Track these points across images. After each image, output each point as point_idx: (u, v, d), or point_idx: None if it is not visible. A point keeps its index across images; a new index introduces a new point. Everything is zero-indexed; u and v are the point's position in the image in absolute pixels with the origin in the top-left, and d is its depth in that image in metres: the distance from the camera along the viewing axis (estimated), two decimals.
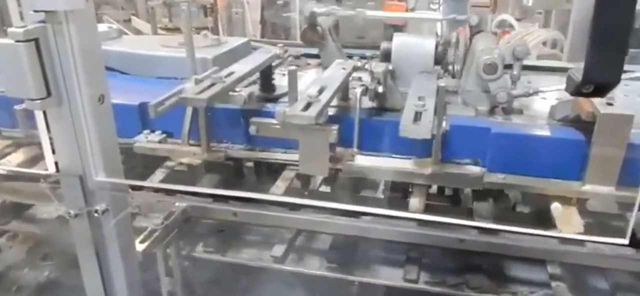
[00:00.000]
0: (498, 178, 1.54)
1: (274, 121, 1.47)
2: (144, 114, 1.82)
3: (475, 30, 2.20)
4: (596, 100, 1.47)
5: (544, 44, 4.20)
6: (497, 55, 1.70)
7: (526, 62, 1.79)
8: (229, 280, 1.88)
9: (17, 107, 1.70)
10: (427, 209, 1.64)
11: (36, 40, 0.94)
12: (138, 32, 4.33)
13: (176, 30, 3.67)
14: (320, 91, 1.52)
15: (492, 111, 1.79)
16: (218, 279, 1.88)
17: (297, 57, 2.42)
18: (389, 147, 1.65)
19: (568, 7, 4.76)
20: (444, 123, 1.46)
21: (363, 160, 1.55)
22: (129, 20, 4.88)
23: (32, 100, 0.97)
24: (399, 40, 1.88)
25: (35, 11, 0.91)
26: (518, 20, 5.46)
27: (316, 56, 2.33)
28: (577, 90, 1.01)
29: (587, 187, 1.46)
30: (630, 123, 1.36)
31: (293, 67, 1.46)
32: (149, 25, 4.40)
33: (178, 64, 1.96)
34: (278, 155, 1.66)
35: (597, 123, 1.40)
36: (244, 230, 1.81)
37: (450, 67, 1.99)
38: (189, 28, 1.83)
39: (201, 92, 1.49)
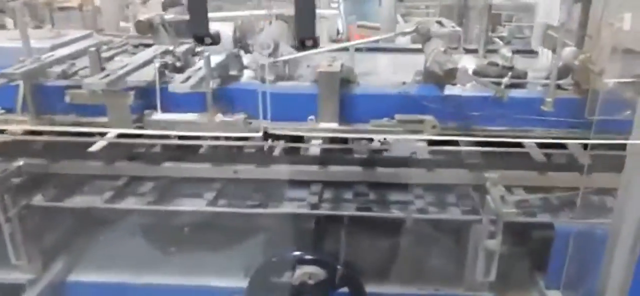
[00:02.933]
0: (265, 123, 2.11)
1: (84, 91, 1.92)
2: None
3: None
4: (324, 64, 2.10)
5: None
6: (272, 38, 2.30)
7: None
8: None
9: None
10: None
11: None
12: None
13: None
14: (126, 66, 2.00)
15: (277, 79, 2.39)
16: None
17: (136, 46, 2.87)
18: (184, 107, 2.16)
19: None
20: (212, 83, 1.99)
21: (159, 116, 2.04)
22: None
23: None
24: None
25: None
26: (403, 16, 6.22)
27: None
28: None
29: (321, 124, 2.09)
30: (335, 77, 2.01)
31: (93, 49, 1.91)
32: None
33: (16, 53, 2.31)
34: (94, 120, 2.11)
35: (319, 79, 2.03)
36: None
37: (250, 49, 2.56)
38: (23, 21, 2.21)
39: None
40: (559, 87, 2.20)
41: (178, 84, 1.85)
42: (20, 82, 2.09)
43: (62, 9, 5.02)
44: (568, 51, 2.18)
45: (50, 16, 5.16)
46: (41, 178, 2.21)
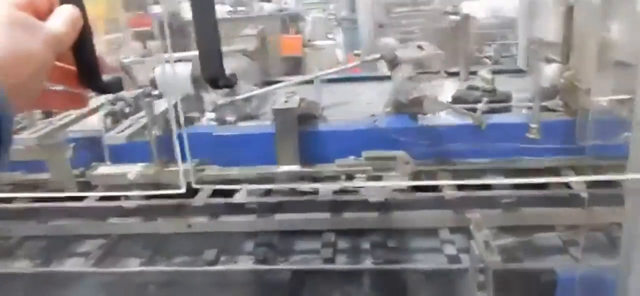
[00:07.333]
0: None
1: (19, 146, 1.74)
2: None
3: None
4: (280, 100, 1.91)
5: None
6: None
7: None
8: None
9: None
10: None
11: None
12: None
13: None
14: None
15: (238, 119, 2.20)
16: None
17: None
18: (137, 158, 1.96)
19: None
20: (155, 131, 1.80)
21: (103, 170, 1.84)
22: None
23: None
24: (158, 71, 2.23)
25: None
26: (401, 42, 6.20)
27: None
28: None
29: (280, 168, 1.88)
30: (292, 114, 1.81)
31: None
32: None
33: None
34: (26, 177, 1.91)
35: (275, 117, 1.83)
36: None
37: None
38: None
39: None
40: (546, 108, 1.98)
41: (114, 135, 1.66)
42: None
43: None
44: (551, 68, 1.96)
45: None
46: None
